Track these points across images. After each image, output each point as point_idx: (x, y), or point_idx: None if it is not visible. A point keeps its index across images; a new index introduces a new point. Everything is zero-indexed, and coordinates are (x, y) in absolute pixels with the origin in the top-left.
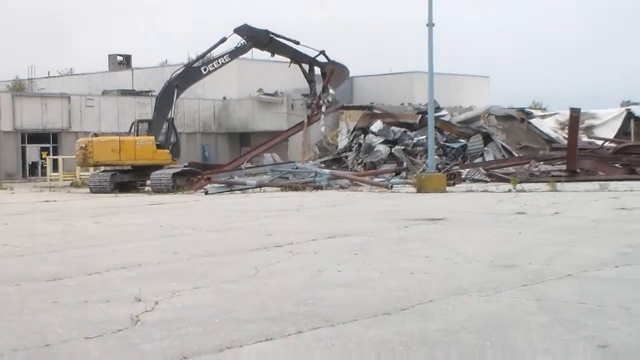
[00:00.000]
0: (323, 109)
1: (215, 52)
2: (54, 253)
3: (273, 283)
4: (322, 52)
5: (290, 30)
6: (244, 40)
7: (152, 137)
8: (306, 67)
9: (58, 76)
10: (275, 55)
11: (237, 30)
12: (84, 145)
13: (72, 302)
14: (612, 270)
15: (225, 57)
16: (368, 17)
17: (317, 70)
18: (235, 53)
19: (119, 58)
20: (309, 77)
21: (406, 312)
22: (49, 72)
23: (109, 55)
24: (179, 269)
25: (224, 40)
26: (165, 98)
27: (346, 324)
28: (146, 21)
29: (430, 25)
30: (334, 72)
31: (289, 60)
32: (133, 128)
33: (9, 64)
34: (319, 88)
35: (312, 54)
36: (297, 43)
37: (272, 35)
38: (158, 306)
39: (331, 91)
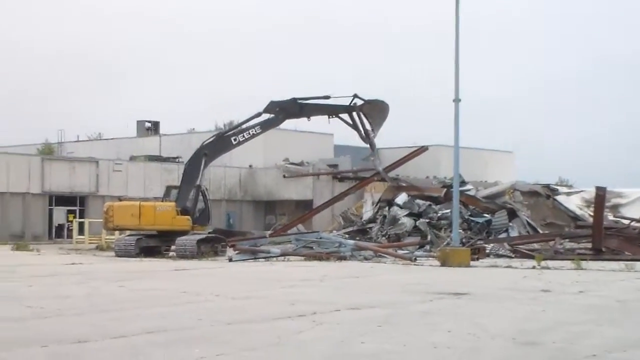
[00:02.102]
0: (380, 169)
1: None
2: (80, 316)
3: (297, 352)
4: (356, 96)
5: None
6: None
7: (173, 204)
8: (346, 117)
9: (87, 140)
10: (311, 118)
11: (267, 110)
12: (105, 209)
13: None
14: (636, 353)
15: (256, 128)
16: (393, 89)
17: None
18: (266, 125)
19: (147, 124)
20: (354, 125)
21: None
22: (78, 136)
23: (138, 121)
24: (203, 335)
25: (258, 115)
26: (193, 165)
27: None
28: (175, 87)
29: (457, 100)
30: (373, 110)
31: (326, 117)
32: (165, 193)
33: (40, 126)
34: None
35: (347, 102)
36: (328, 97)
37: (300, 102)
38: None
39: (374, 132)
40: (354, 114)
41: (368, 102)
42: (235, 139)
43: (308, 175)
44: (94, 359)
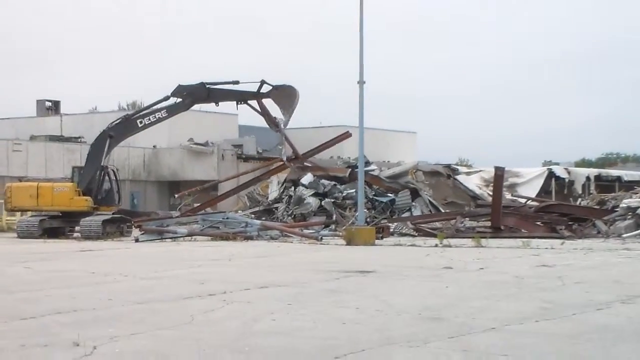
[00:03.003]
0: (285, 158)
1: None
2: None
3: (209, 330)
4: (263, 81)
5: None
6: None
7: (72, 184)
8: (254, 103)
9: None
10: (220, 103)
11: (174, 94)
12: (4, 190)
13: (9, 347)
14: (533, 325)
15: (163, 112)
16: (299, 68)
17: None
18: (173, 110)
19: (48, 103)
20: (262, 112)
21: None
22: None
23: (37, 101)
24: (114, 315)
25: (167, 98)
26: (98, 146)
27: None
28: (75, 67)
29: (362, 82)
30: (281, 96)
31: (234, 104)
32: (73, 174)
33: None
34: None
35: (255, 88)
36: (237, 83)
37: (209, 86)
38: (97, 351)
39: (285, 118)
40: (262, 100)
41: (275, 88)
42: (141, 122)
43: None
44: (3, 339)
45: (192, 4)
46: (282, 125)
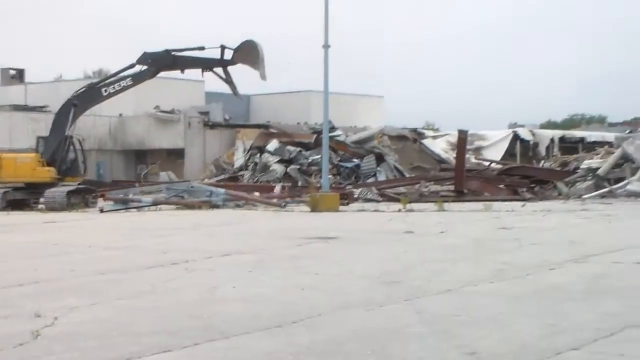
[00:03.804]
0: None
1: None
2: None
3: (169, 299)
4: (223, 47)
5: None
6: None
7: (34, 155)
8: (219, 71)
9: None
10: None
11: (139, 61)
12: None
13: None
14: (487, 286)
15: (127, 80)
16: (264, 32)
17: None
18: (138, 78)
19: (12, 72)
20: (227, 79)
21: (296, 325)
22: None
23: (1, 69)
24: (76, 286)
25: (132, 66)
26: (62, 116)
27: (240, 336)
28: (40, 34)
29: (326, 46)
30: (244, 55)
31: (199, 71)
32: (37, 144)
33: None
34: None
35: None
36: (202, 49)
37: (174, 54)
38: (57, 321)
39: (261, 72)
40: (228, 68)
41: (236, 50)
42: (105, 90)
43: None
44: None
45: None
46: (263, 80)
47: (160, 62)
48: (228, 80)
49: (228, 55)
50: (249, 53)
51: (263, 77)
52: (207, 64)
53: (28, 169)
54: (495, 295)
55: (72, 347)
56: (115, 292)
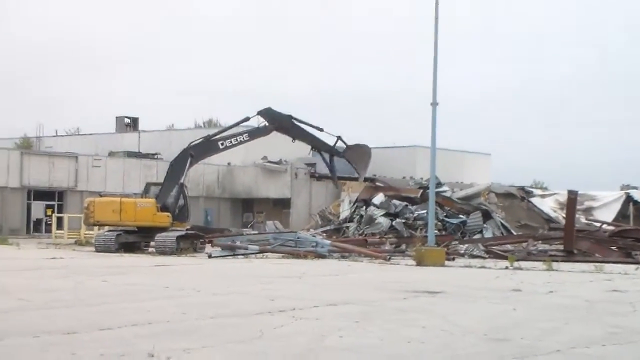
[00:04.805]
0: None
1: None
2: (67, 309)
3: (278, 345)
4: (339, 138)
5: (296, 100)
6: (265, 122)
7: (153, 200)
8: (326, 155)
9: (65, 135)
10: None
11: (261, 113)
12: (86, 205)
13: (89, 355)
14: (599, 348)
15: (244, 135)
16: (372, 88)
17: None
18: (255, 134)
19: (126, 120)
20: (330, 167)
21: None
22: (56, 131)
23: (117, 117)
24: (187, 328)
25: (247, 119)
26: (178, 164)
27: None
28: (154, 84)
29: (435, 104)
30: (354, 155)
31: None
32: (145, 190)
33: (18, 121)
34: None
35: (333, 140)
36: (321, 130)
37: (294, 121)
38: None
39: (360, 175)
40: (334, 157)
41: (350, 148)
42: (222, 144)
43: None
44: (84, 349)
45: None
46: (359, 180)
47: (280, 122)
48: (331, 167)
49: (339, 146)
50: (360, 156)
51: (360, 179)
52: (318, 146)
53: (148, 214)
54: (607, 358)
55: None
56: (225, 337)
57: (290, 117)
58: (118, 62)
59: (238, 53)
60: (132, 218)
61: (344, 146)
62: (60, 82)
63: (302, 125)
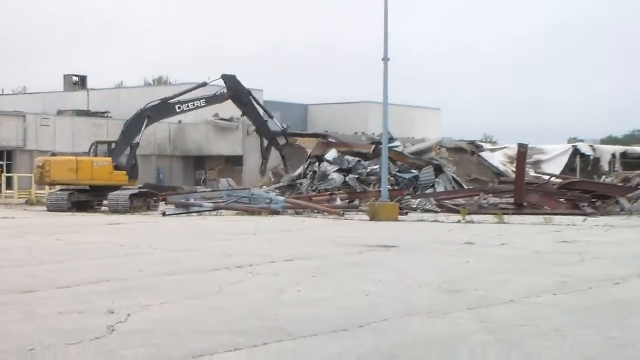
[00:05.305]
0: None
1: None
2: (21, 267)
3: (236, 300)
4: (284, 131)
5: (246, 54)
6: (224, 90)
7: (109, 159)
8: (265, 142)
9: (11, 94)
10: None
11: (225, 77)
12: (41, 164)
13: (47, 313)
14: (550, 297)
15: (202, 101)
16: (324, 45)
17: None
18: (212, 100)
19: (74, 78)
20: (265, 154)
21: (362, 329)
22: (2, 90)
23: (64, 75)
24: (145, 285)
25: (204, 84)
26: (134, 124)
27: (307, 337)
28: (102, 42)
29: (386, 59)
30: (292, 154)
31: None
32: (92, 149)
33: None
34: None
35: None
36: (271, 117)
37: (252, 99)
38: (130, 318)
39: (289, 173)
40: (273, 147)
41: (290, 145)
42: (179, 107)
43: None
44: (42, 307)
45: None
46: (285, 175)
47: (237, 93)
48: (265, 155)
49: (281, 139)
50: (296, 157)
51: (286, 177)
52: (263, 131)
53: (105, 173)
54: (559, 306)
55: (146, 342)
56: (183, 293)
57: (249, 92)
58: (66, 20)
59: (187, 10)
60: (88, 177)
61: (285, 141)
62: (5, 38)
63: (257, 106)
